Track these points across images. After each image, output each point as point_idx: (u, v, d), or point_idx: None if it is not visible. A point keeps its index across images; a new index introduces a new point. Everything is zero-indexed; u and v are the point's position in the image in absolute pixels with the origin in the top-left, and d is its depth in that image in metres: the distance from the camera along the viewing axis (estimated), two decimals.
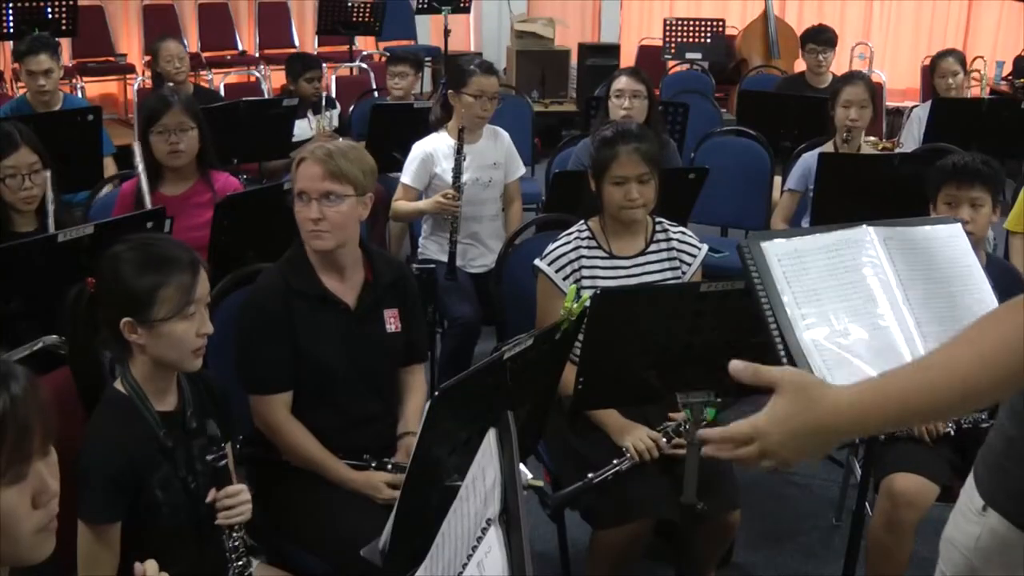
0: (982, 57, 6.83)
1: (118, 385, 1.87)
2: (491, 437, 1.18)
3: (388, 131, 4.50)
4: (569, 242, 2.68)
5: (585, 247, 2.67)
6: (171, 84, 4.97)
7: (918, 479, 2.45)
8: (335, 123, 5.27)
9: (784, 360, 1.83)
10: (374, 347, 2.37)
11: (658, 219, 2.75)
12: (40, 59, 4.34)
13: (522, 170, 3.93)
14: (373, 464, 2.28)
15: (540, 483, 2.07)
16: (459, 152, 3.59)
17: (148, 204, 3.05)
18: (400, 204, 3.72)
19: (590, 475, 2.31)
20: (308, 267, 2.34)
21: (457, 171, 3.59)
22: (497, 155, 3.81)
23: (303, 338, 2.29)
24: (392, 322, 2.42)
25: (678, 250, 2.72)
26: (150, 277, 1.80)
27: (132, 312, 1.81)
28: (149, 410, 1.86)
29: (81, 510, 1.77)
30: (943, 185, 2.75)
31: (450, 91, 3.73)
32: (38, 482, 1.17)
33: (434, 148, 3.70)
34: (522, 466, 1.81)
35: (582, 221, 2.73)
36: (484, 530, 1.04)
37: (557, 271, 2.65)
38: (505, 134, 3.88)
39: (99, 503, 1.78)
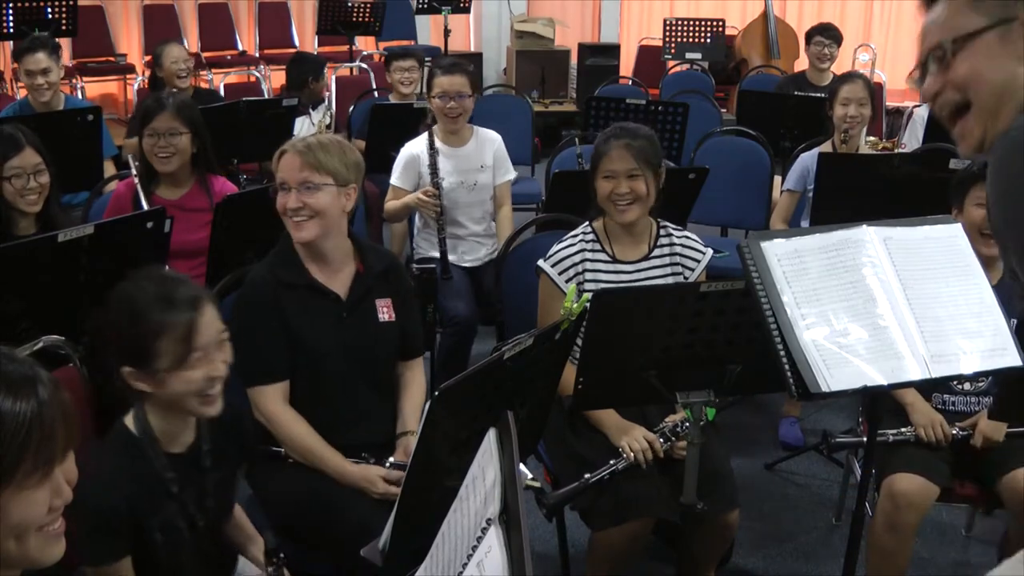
0: None
1: (129, 421, 1.78)
2: (491, 437, 1.18)
3: (387, 131, 4.50)
4: (573, 244, 2.68)
5: (589, 250, 2.67)
6: (173, 88, 4.95)
7: (919, 480, 2.45)
8: (327, 121, 5.28)
9: (784, 360, 1.83)
10: (367, 336, 2.38)
11: (663, 223, 2.74)
12: (37, 57, 4.31)
13: (512, 174, 3.95)
14: (372, 462, 2.27)
15: (538, 483, 2.07)
16: (432, 147, 3.66)
17: (144, 206, 3.05)
18: (390, 204, 3.80)
19: (586, 475, 2.31)
20: (296, 260, 2.36)
21: (433, 168, 3.65)
22: (484, 158, 3.83)
23: (295, 328, 2.30)
24: (385, 311, 2.43)
25: (681, 255, 2.71)
26: (145, 327, 1.69)
27: (131, 362, 1.72)
28: (157, 453, 1.77)
29: (82, 553, 1.67)
30: (972, 188, 2.65)
31: (427, 94, 3.79)
32: (56, 487, 1.18)
33: (420, 150, 3.75)
34: (522, 466, 1.81)
35: (587, 223, 2.73)
36: (484, 530, 1.04)
37: (560, 273, 2.65)
38: (497, 137, 3.91)
39: (97, 545, 1.70)
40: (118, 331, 1.72)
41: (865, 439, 2.28)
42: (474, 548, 1.05)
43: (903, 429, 2.57)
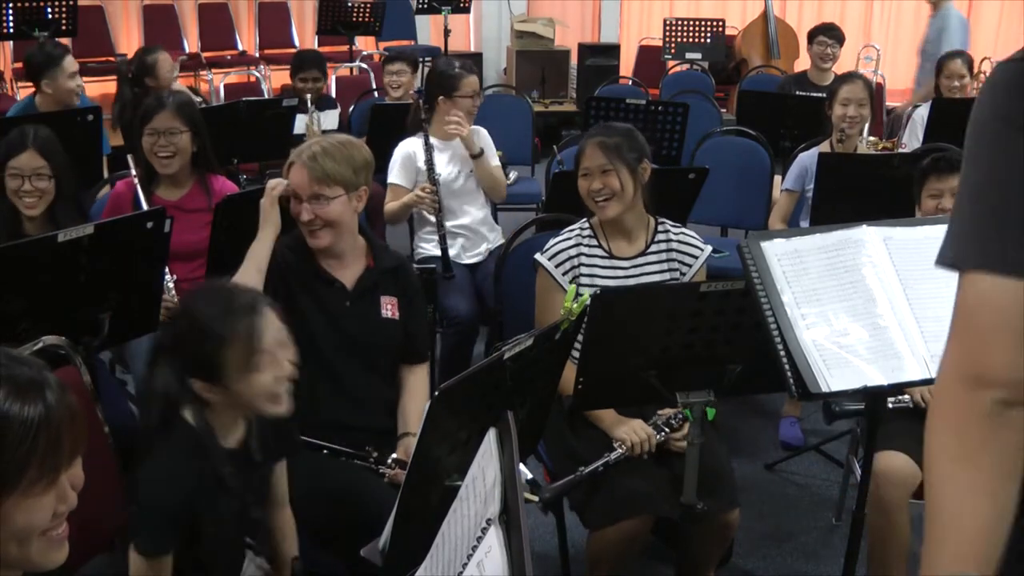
0: (989, 58, 6.83)
1: (188, 416, 1.79)
2: (491, 437, 1.18)
3: (388, 131, 4.50)
4: (570, 239, 2.69)
5: (586, 245, 2.68)
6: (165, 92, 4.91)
7: (901, 457, 2.43)
8: (329, 124, 5.22)
9: (784, 360, 1.83)
10: (369, 328, 2.42)
11: (660, 220, 2.75)
12: (73, 59, 4.43)
13: (496, 161, 3.97)
14: (375, 455, 2.28)
15: (535, 499, 2.08)
16: (427, 142, 3.68)
17: (144, 206, 3.04)
18: (390, 205, 3.80)
19: (581, 468, 2.31)
20: (307, 250, 2.42)
21: (430, 163, 3.67)
22: (478, 146, 3.85)
23: (298, 309, 2.34)
24: (389, 308, 2.47)
25: (678, 251, 2.71)
26: (210, 340, 1.73)
27: (201, 375, 1.75)
28: (216, 448, 1.78)
29: (136, 542, 1.70)
30: (925, 182, 2.92)
31: (441, 97, 3.76)
32: (62, 493, 1.15)
33: (415, 149, 3.77)
34: (522, 466, 1.81)
35: (585, 219, 2.74)
36: (484, 530, 1.04)
37: (557, 266, 2.66)
38: (480, 128, 3.95)
39: (155, 537, 1.71)
40: (185, 347, 1.75)
41: (864, 405, 2.22)
42: (474, 548, 1.05)
43: (900, 397, 2.57)
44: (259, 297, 1.82)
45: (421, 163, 3.74)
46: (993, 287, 1.07)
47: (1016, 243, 1.05)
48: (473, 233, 3.84)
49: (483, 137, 3.93)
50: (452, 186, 3.77)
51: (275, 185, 2.41)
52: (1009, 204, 1.06)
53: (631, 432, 2.39)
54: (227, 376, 1.74)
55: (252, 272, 2.32)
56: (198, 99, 4.84)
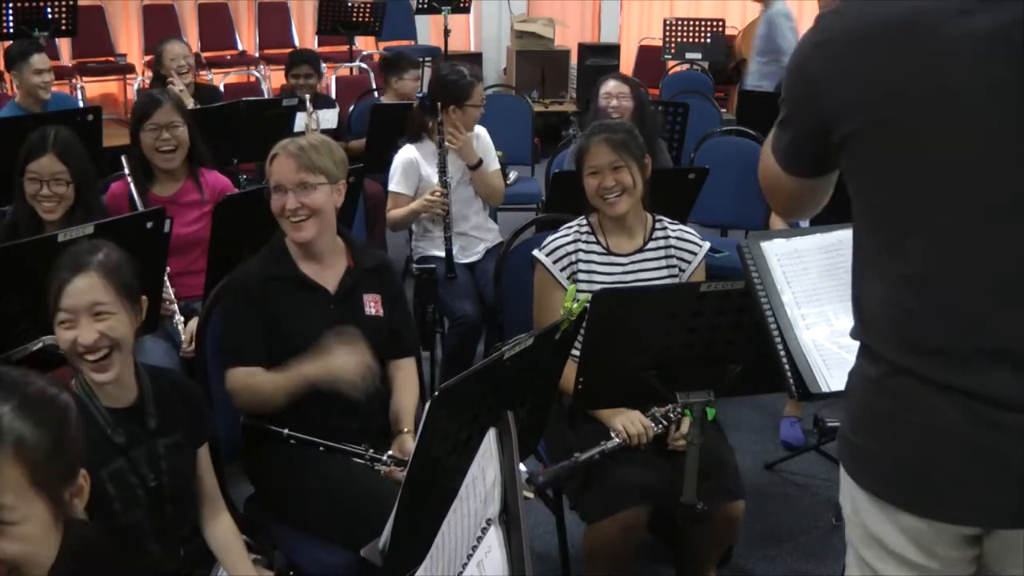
0: None
1: (73, 385, 1.91)
2: (491, 437, 1.17)
3: (387, 131, 4.49)
4: (568, 235, 2.70)
5: (584, 242, 2.69)
6: (176, 85, 4.91)
7: None
8: (328, 123, 5.20)
9: (784, 360, 1.83)
10: (355, 327, 2.40)
11: (658, 217, 2.76)
12: (44, 56, 4.60)
13: (496, 165, 3.97)
14: (371, 451, 2.28)
15: (530, 495, 2.08)
16: (441, 145, 3.65)
17: (140, 207, 3.05)
18: (394, 212, 3.76)
19: (576, 454, 2.31)
20: (287, 255, 2.43)
21: (442, 167, 3.66)
22: (478, 151, 3.85)
23: (283, 320, 2.34)
24: (373, 306, 2.48)
25: (677, 248, 2.72)
26: (48, 279, 1.87)
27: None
28: (97, 407, 1.89)
29: None
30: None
31: (452, 106, 3.70)
32: None
33: (416, 155, 3.74)
34: (522, 466, 1.81)
35: (582, 216, 2.75)
36: (484, 530, 1.04)
37: (555, 263, 2.67)
38: (481, 129, 3.93)
39: None
40: None
41: None
42: (474, 548, 1.05)
43: None
44: (92, 263, 1.87)
45: (423, 170, 3.71)
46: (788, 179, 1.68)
47: (793, 158, 1.67)
48: (473, 234, 3.84)
49: (483, 139, 3.91)
50: (455, 192, 3.73)
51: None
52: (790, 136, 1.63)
53: (628, 423, 2.40)
54: (52, 320, 1.86)
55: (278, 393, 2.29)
56: (188, 96, 4.82)
